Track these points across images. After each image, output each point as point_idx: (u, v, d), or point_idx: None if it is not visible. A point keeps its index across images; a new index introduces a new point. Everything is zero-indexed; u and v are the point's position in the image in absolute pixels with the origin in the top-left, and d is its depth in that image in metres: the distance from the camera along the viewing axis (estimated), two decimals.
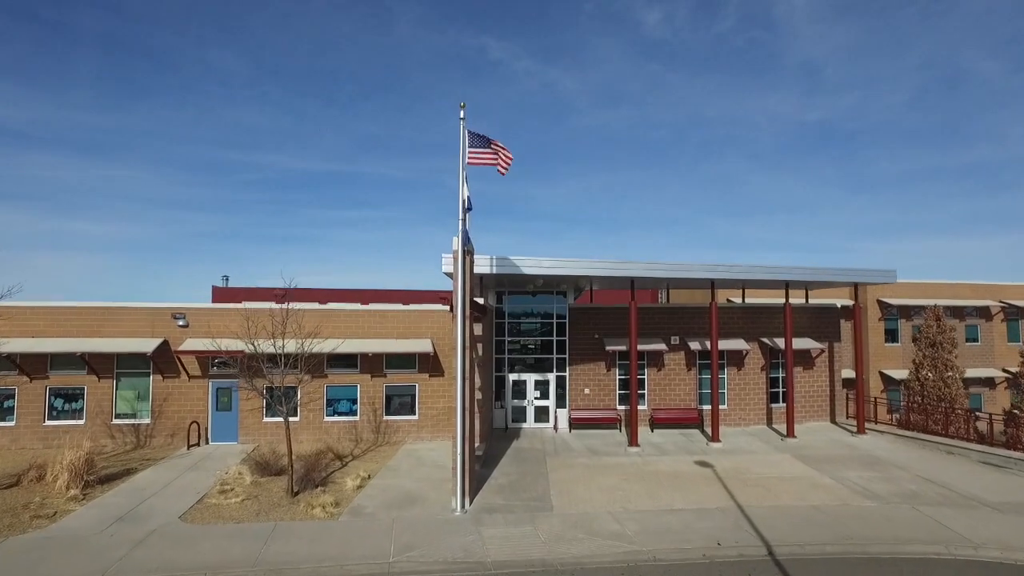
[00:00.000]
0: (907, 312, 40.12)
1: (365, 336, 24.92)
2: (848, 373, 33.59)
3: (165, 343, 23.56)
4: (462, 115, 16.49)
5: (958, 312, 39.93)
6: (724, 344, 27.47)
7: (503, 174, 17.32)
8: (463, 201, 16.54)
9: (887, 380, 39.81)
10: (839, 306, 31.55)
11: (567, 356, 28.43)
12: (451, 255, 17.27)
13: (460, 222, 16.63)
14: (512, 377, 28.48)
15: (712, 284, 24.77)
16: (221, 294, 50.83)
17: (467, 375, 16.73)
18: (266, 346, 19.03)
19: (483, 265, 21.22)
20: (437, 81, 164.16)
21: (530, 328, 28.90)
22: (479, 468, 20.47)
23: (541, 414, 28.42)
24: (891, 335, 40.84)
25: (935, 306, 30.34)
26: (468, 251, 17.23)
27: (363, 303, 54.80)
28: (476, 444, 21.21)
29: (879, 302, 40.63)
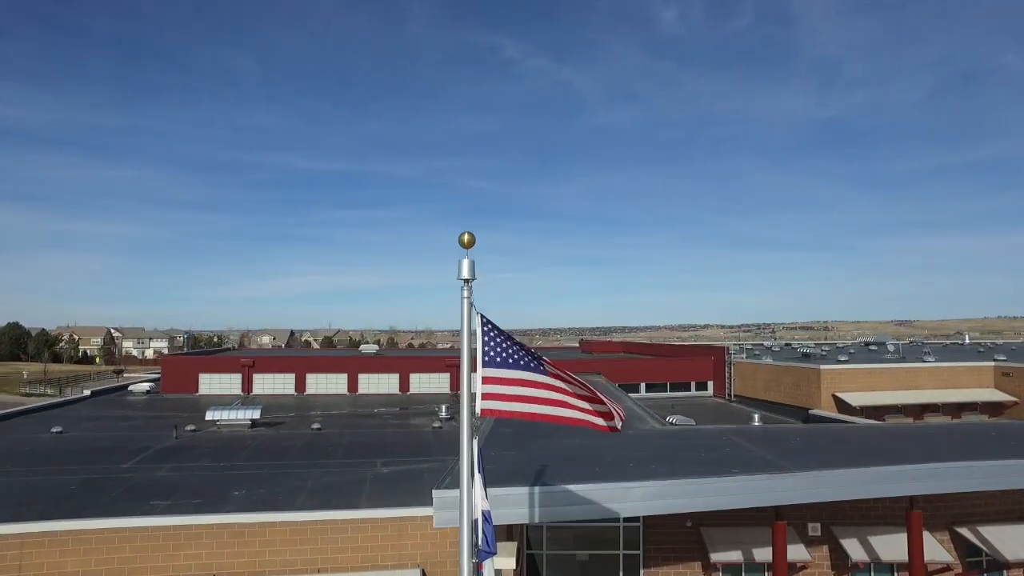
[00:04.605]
0: None
1: (306, 568, 14.50)
2: None
3: None
4: (465, 292, 5.95)
5: None
6: (894, 540, 16.65)
7: (612, 429, 6.64)
8: (469, 515, 5.97)
9: None
10: None
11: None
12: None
13: (465, 562, 6.10)
14: None
15: (911, 503, 13.87)
16: (173, 366, 40.75)
17: None
18: None
19: (514, 508, 10.74)
20: (448, 80, 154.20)
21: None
22: None
23: None
24: None
25: None
26: None
27: (350, 374, 44.71)
28: None
29: None
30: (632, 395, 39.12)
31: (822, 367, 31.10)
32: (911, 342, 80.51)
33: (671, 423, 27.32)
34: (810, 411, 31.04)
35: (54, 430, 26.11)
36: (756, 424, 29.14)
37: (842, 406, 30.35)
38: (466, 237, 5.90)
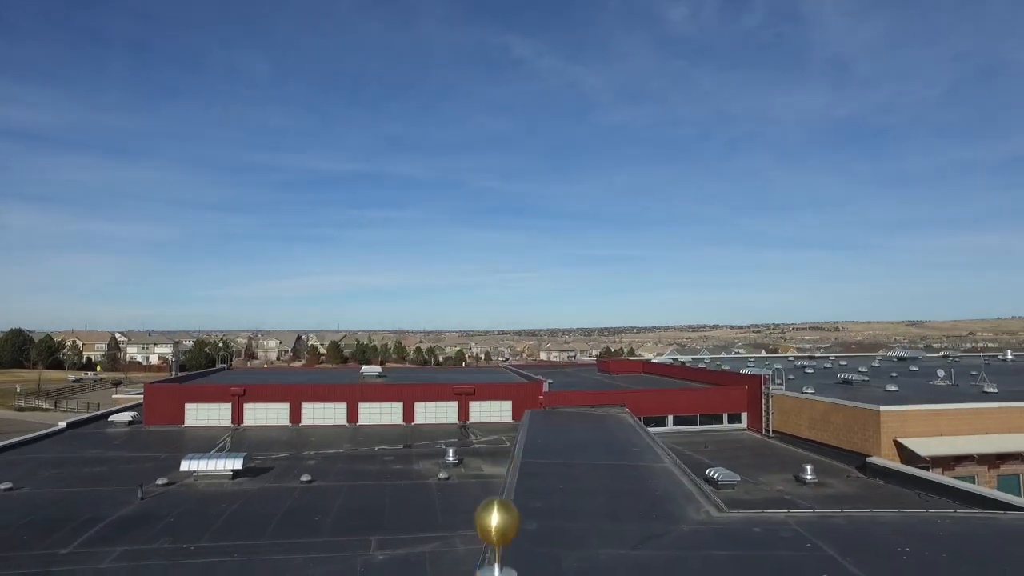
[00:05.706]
0: None
1: None
2: None
3: None
4: None
5: None
6: None
7: None
8: None
9: None
10: None
11: None
12: None
13: None
14: None
15: None
16: (157, 395, 37.38)
17: None
18: None
19: None
20: (460, 80, 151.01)
21: None
22: None
23: None
24: None
25: None
26: None
27: (350, 404, 41.13)
28: None
29: None
30: (659, 429, 35.45)
31: (882, 409, 27.24)
32: (945, 355, 76.48)
33: (714, 478, 23.65)
34: (868, 459, 27.23)
35: (1, 487, 22.76)
36: (813, 482, 25.38)
37: (906, 454, 26.56)
38: (495, 522, 2.38)
